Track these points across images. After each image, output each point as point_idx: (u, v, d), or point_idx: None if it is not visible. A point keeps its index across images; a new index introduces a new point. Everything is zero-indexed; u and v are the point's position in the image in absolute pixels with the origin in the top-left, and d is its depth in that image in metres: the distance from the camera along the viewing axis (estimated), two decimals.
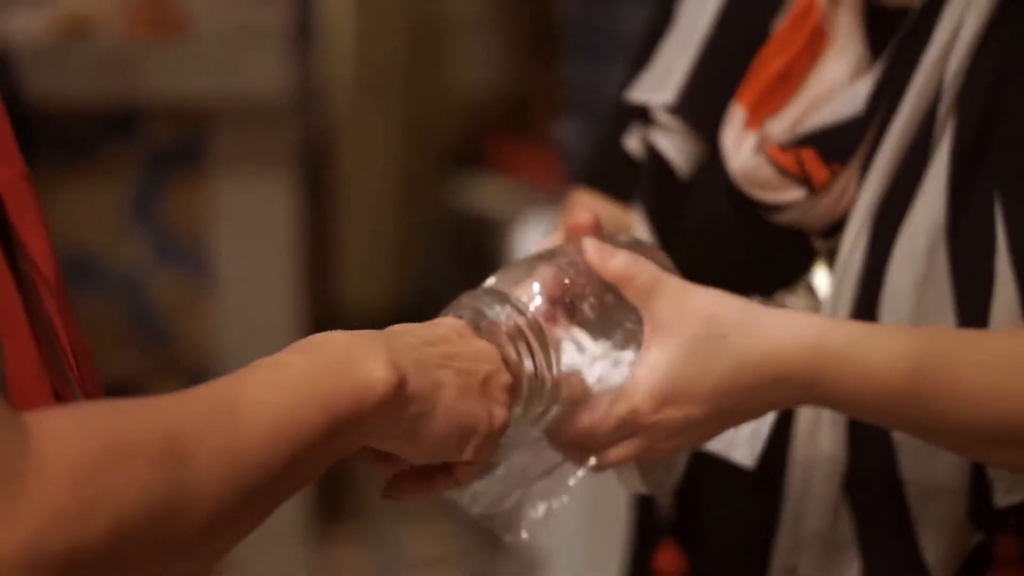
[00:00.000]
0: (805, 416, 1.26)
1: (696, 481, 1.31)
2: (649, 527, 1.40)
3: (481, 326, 1.10)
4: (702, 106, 1.34)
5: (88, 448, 0.77)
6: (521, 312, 1.10)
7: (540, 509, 1.17)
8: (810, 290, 1.28)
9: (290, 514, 3.22)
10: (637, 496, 1.40)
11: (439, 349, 1.04)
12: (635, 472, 1.18)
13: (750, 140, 1.29)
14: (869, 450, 1.24)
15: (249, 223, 3.21)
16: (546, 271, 1.14)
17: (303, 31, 3.58)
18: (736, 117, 1.30)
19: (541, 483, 1.17)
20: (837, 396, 1.13)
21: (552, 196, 3.62)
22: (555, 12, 4.29)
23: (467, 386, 1.03)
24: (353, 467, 3.75)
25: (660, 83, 1.37)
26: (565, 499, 1.18)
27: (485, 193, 4.43)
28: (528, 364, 1.10)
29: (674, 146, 1.34)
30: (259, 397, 0.89)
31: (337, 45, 4.78)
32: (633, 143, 1.40)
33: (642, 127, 1.39)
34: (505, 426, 1.06)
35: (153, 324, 3.20)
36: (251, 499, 0.87)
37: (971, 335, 1.17)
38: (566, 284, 1.14)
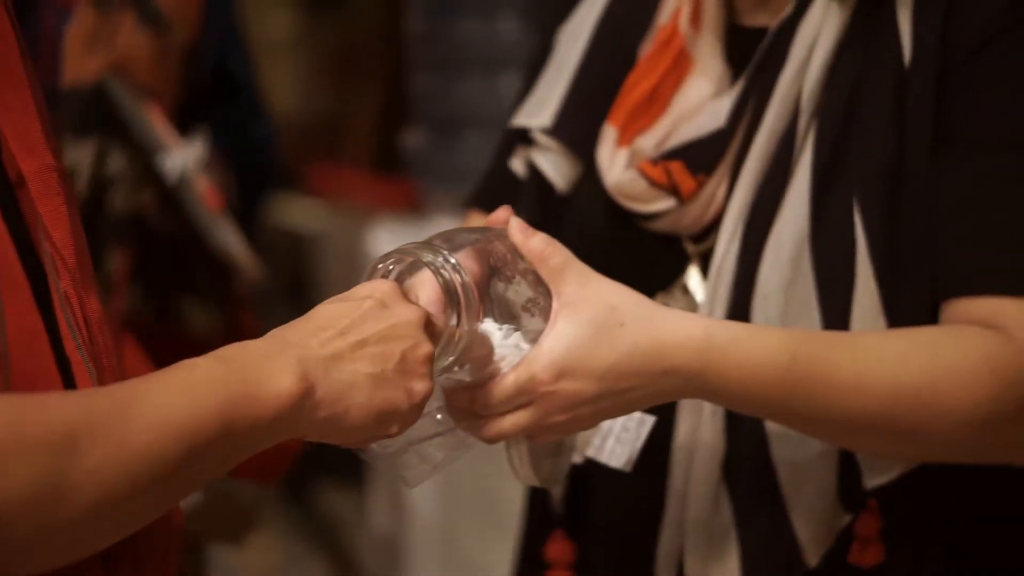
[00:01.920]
0: (686, 408, 1.35)
1: (584, 473, 1.40)
2: (540, 518, 1.48)
3: (412, 280, 1.17)
4: (575, 127, 1.46)
5: None
6: (457, 270, 1.17)
7: (430, 464, 1.23)
8: (685, 291, 1.39)
9: None
10: (529, 489, 1.48)
11: (353, 337, 1.09)
12: (526, 458, 1.24)
13: (622, 156, 1.41)
14: (745, 439, 1.34)
15: None
16: (478, 240, 1.22)
17: None
18: (608, 136, 1.42)
19: (437, 440, 1.23)
20: (721, 388, 1.23)
21: (374, 213, 3.70)
22: (376, 29, 4.35)
23: (382, 376, 1.09)
24: None
25: (538, 108, 1.49)
26: (456, 456, 1.24)
27: (300, 214, 4.48)
28: (452, 321, 1.16)
29: (551, 165, 1.46)
30: (159, 398, 0.96)
31: None
32: (517, 165, 1.51)
33: (524, 150, 1.50)
34: (428, 395, 1.12)
35: None
36: (139, 490, 0.94)
37: (844, 335, 1.28)
38: (493, 255, 1.21)
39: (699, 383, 1.23)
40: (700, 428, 1.36)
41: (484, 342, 1.20)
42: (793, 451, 1.33)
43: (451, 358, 1.17)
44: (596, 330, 1.20)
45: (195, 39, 2.20)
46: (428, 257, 1.17)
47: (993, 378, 1.24)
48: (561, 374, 1.19)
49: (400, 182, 3.78)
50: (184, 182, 2.12)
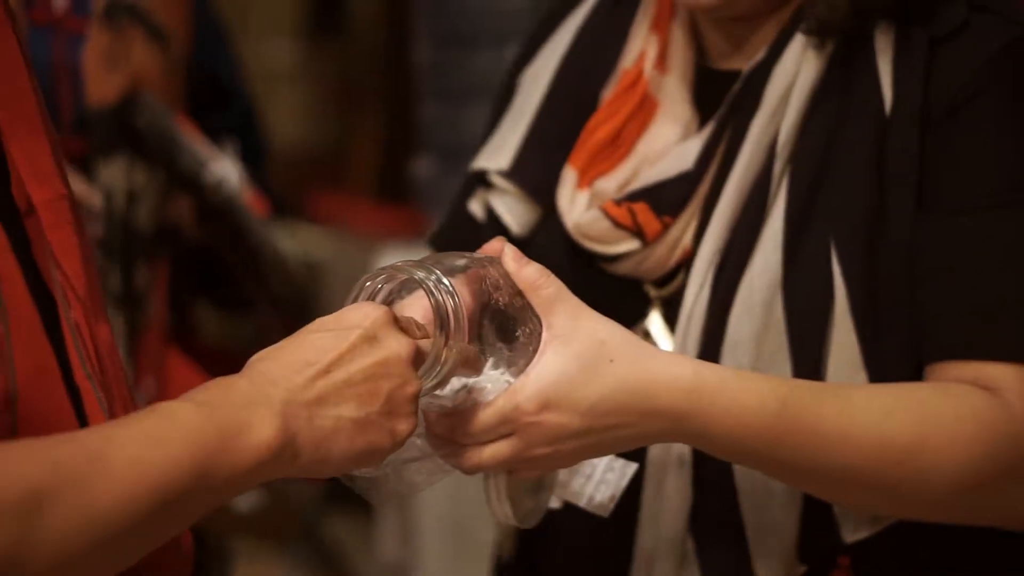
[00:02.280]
0: (654, 458, 1.34)
1: (555, 517, 1.37)
2: (507, 562, 1.47)
3: (403, 301, 1.17)
4: (533, 170, 1.45)
5: None
6: (450, 292, 1.15)
7: (405, 486, 1.21)
8: (647, 336, 1.36)
9: None
10: (499, 528, 1.47)
11: (340, 375, 1.07)
12: (503, 492, 1.22)
13: (583, 198, 1.40)
14: (712, 491, 1.33)
15: None
16: (470, 265, 1.20)
17: None
18: (568, 178, 1.41)
19: (416, 463, 1.21)
20: (707, 433, 1.21)
21: (380, 241, 3.71)
22: (378, 58, 4.37)
23: (366, 419, 1.07)
24: None
25: (497, 151, 1.48)
26: (433, 482, 1.22)
27: (306, 242, 4.49)
28: (439, 343, 1.14)
29: (507, 208, 1.45)
30: (131, 450, 0.94)
31: None
32: (476, 207, 1.50)
33: (483, 192, 1.49)
34: (411, 433, 1.11)
35: None
36: (107, 547, 0.93)
37: (834, 386, 1.27)
38: (485, 280, 1.20)
39: (686, 426, 1.21)
40: (666, 480, 1.35)
41: (469, 366, 1.18)
42: (759, 502, 1.33)
43: (434, 381, 1.16)
44: (584, 364, 1.18)
45: (189, 51, 2.22)
46: (421, 275, 1.16)
47: (984, 437, 1.23)
48: (545, 405, 1.18)
49: (406, 210, 3.79)
50: (229, 192, 2.15)
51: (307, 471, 1.05)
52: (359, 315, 1.11)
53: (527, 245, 1.42)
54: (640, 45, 1.44)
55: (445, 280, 1.15)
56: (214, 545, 2.38)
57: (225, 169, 2.14)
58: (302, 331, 1.10)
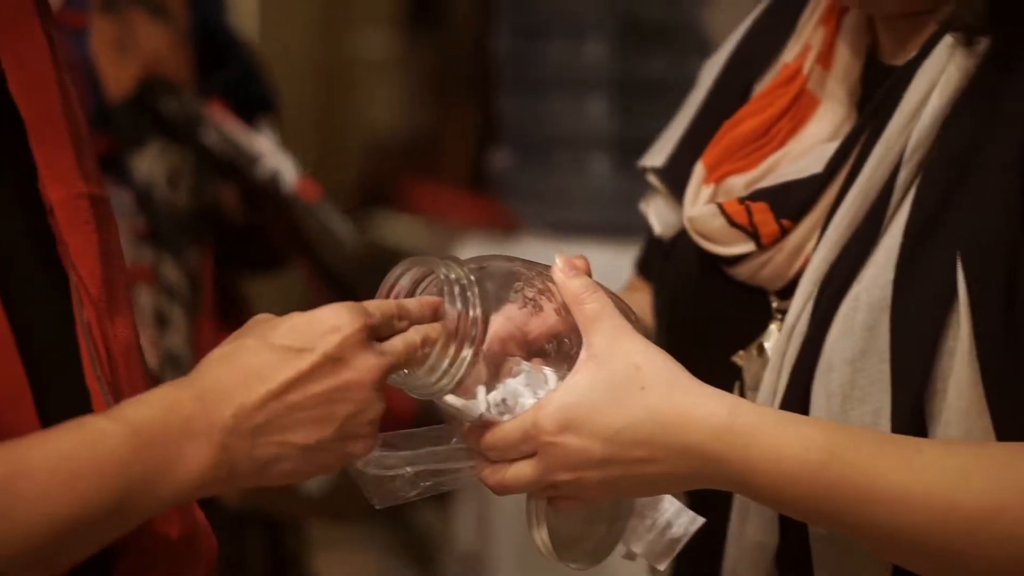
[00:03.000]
0: (736, 504, 1.25)
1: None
2: None
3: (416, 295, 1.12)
4: (682, 169, 1.35)
5: None
6: (470, 296, 1.11)
7: (420, 488, 1.15)
8: (761, 351, 1.27)
9: None
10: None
11: (293, 397, 1.01)
12: (541, 517, 1.16)
13: (705, 193, 1.30)
14: (794, 536, 1.22)
15: None
16: (516, 270, 1.16)
17: None
18: (697, 172, 1.32)
19: (436, 467, 1.16)
20: (746, 480, 1.12)
21: (467, 232, 3.72)
22: (470, 50, 4.39)
23: (315, 445, 1.02)
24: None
25: (660, 148, 1.41)
26: (446, 489, 1.17)
27: (398, 231, 4.52)
28: (451, 349, 1.10)
29: (655, 207, 1.38)
30: (45, 485, 0.92)
31: None
32: (643, 206, 1.43)
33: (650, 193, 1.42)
34: (365, 453, 1.07)
35: None
36: (29, 558, 0.92)
37: (903, 439, 1.14)
38: (531, 289, 1.16)
39: (722, 470, 1.12)
40: (747, 523, 1.25)
41: (492, 375, 1.13)
42: (839, 552, 1.22)
43: (442, 382, 1.11)
44: (612, 388, 1.12)
45: (187, 16, 2.19)
46: (443, 272, 1.11)
47: None
48: (565, 426, 1.11)
49: (490, 202, 3.80)
50: (277, 176, 2.15)
51: (243, 486, 1.03)
52: (331, 323, 1.04)
53: (670, 246, 1.36)
54: (805, 38, 1.33)
55: (467, 280, 1.11)
56: (289, 530, 2.40)
57: (278, 161, 2.14)
58: (270, 325, 1.05)
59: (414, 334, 1.09)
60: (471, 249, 3.47)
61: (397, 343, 1.08)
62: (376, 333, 1.07)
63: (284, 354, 1.01)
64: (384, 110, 5.03)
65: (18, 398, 0.98)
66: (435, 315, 1.11)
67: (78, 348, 1.02)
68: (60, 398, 1.01)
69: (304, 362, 1.01)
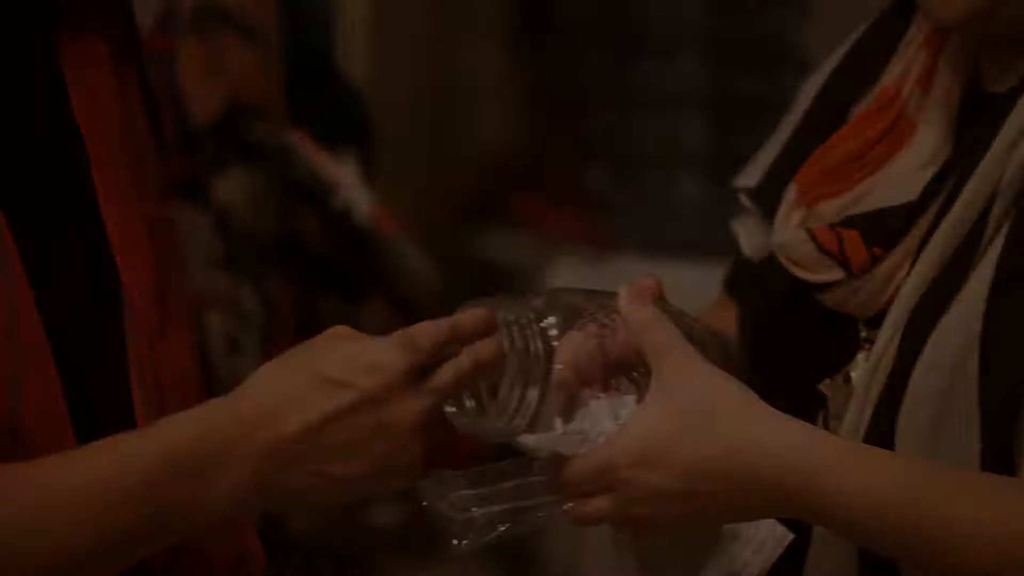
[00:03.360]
0: (816, 534, 1.22)
1: None
2: None
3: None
4: (775, 191, 1.33)
5: None
6: (531, 337, 1.11)
7: (498, 531, 1.13)
8: (847, 380, 1.25)
9: None
10: None
11: (329, 435, 1.01)
12: (626, 549, 1.16)
13: (796, 217, 1.28)
14: (879, 569, 1.19)
15: None
16: (584, 306, 1.16)
17: None
18: (790, 195, 1.29)
19: (515, 505, 1.14)
20: (824, 514, 1.11)
21: (574, 247, 3.73)
22: (574, 67, 4.40)
23: (353, 477, 1.02)
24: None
25: (754, 168, 1.39)
26: (530, 528, 1.15)
27: (508, 246, 4.53)
28: (517, 390, 1.10)
29: (745, 229, 1.36)
30: (79, 489, 0.93)
31: None
32: (735, 226, 1.41)
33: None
34: (408, 486, 1.06)
35: None
36: None
37: (984, 479, 1.12)
38: (597, 323, 1.15)
39: (799, 503, 1.10)
40: (826, 556, 1.22)
41: (553, 411, 1.13)
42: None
43: (517, 422, 1.11)
44: (684, 422, 1.10)
45: (280, 39, 2.16)
46: (501, 315, 1.11)
47: None
48: (638, 461, 1.10)
49: (587, 218, 3.80)
50: (354, 208, 2.15)
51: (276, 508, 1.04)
52: (376, 360, 1.03)
53: (758, 268, 1.35)
54: (907, 61, 1.29)
55: (526, 319, 1.11)
56: (360, 564, 2.39)
57: (353, 192, 2.14)
58: (328, 348, 1.04)
59: (465, 359, 1.07)
60: (566, 265, 3.47)
61: (446, 374, 1.06)
62: (425, 365, 1.05)
63: (326, 386, 1.00)
64: (495, 126, 5.05)
65: (54, 414, 0.99)
66: (488, 328, 1.10)
67: (128, 370, 1.03)
68: (107, 418, 1.02)
69: (344, 399, 1.01)
